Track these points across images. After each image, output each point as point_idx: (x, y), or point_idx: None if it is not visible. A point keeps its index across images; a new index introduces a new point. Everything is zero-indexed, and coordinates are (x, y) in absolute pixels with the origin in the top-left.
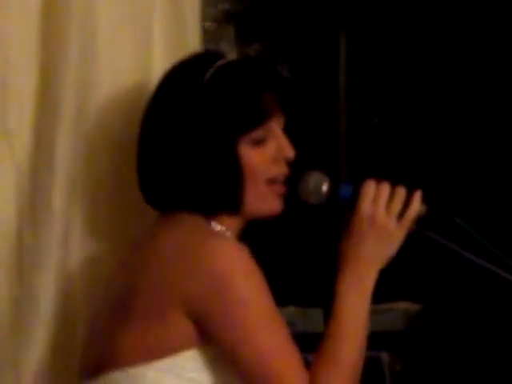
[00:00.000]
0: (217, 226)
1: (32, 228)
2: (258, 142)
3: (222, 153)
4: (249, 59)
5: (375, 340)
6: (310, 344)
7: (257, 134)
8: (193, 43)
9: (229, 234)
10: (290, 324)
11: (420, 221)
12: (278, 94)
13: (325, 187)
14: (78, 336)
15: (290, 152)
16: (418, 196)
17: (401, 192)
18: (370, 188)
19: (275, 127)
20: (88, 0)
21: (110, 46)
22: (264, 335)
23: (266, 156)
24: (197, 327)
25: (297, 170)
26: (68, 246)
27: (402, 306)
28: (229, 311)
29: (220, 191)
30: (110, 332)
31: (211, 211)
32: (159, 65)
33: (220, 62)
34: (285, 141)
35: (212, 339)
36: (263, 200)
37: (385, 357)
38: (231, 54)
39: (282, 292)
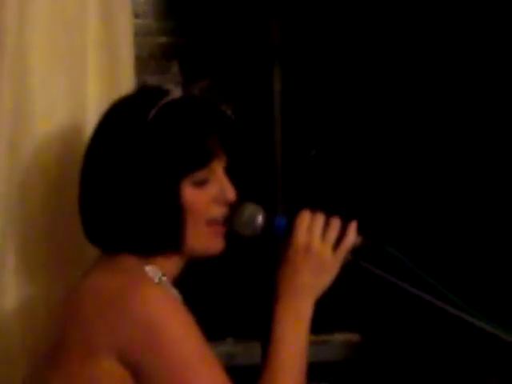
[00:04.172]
0: (151, 271)
1: None
2: (201, 183)
3: (164, 193)
4: (193, 98)
5: (315, 371)
6: (249, 376)
7: (200, 175)
8: (127, 78)
9: (164, 278)
10: (229, 356)
11: (355, 251)
12: (221, 135)
13: (259, 219)
14: (16, 373)
15: (231, 194)
16: (353, 226)
17: (336, 222)
18: (304, 218)
19: (217, 168)
20: (21, 35)
21: (44, 80)
22: (197, 377)
23: (207, 197)
24: (130, 372)
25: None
26: (2, 284)
27: (341, 336)
28: (160, 360)
29: (161, 231)
30: (44, 376)
31: (151, 251)
32: (93, 99)
33: (164, 101)
34: (227, 183)
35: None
36: (204, 239)
37: None
38: (175, 90)
39: (221, 325)
